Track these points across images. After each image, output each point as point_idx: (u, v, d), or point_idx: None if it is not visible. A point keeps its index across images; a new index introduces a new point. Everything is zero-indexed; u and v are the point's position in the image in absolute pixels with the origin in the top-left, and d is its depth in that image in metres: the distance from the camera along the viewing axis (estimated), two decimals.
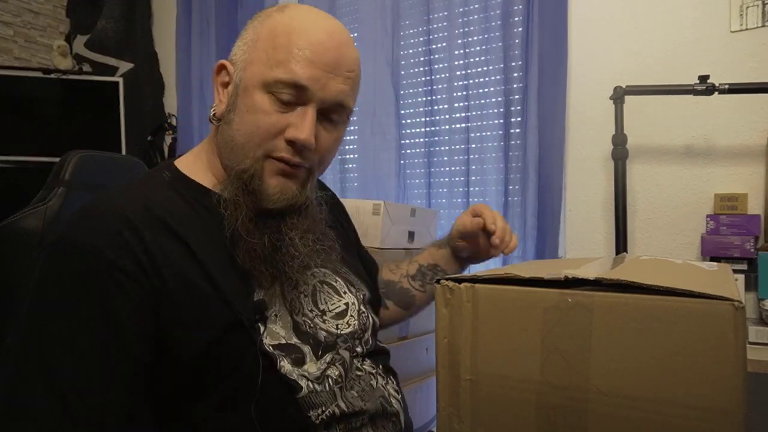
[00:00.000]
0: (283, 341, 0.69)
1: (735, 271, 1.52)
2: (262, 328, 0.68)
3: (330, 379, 0.71)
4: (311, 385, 0.69)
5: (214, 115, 0.76)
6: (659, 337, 0.47)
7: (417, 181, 2.22)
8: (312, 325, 0.74)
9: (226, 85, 0.76)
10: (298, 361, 0.69)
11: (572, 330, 0.51)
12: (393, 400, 0.80)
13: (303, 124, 0.69)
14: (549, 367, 0.52)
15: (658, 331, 0.47)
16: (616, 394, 0.49)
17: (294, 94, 0.69)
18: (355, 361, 0.77)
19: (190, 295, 0.64)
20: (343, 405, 0.71)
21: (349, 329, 0.78)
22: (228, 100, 0.74)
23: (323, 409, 0.69)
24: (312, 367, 0.70)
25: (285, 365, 0.68)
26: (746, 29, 1.64)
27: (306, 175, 0.74)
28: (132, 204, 0.67)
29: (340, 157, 2.37)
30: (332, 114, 0.73)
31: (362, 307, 0.84)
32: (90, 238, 0.62)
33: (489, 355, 0.56)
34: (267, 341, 0.68)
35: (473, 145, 2.07)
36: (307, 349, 0.71)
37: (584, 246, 1.88)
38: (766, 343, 1.33)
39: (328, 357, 0.73)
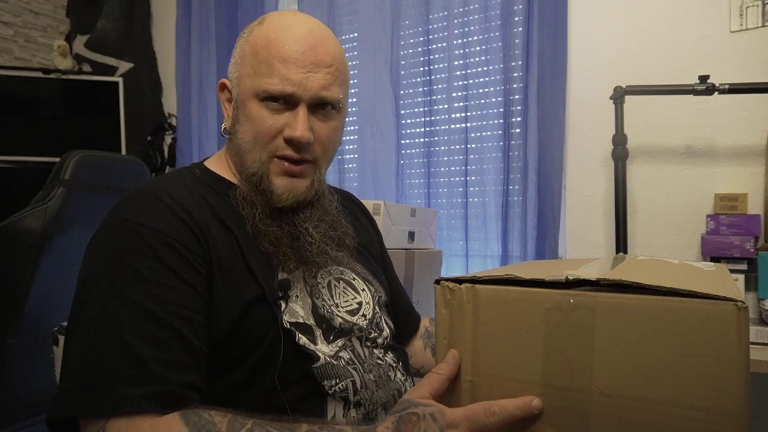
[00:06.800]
0: (301, 320, 0.74)
1: (735, 271, 1.52)
2: (283, 306, 0.74)
3: (342, 360, 0.75)
4: (327, 359, 0.74)
5: (224, 129, 0.84)
6: (662, 338, 0.47)
7: (416, 181, 2.22)
8: (330, 311, 0.78)
9: (229, 100, 0.84)
10: (310, 341, 0.74)
11: (574, 331, 0.51)
12: None
13: (296, 123, 0.76)
14: (551, 368, 0.52)
15: (661, 332, 0.47)
16: (619, 395, 0.49)
17: (283, 100, 0.76)
18: (375, 351, 0.81)
19: (228, 271, 0.72)
20: (358, 382, 0.74)
21: (364, 323, 0.82)
22: (232, 114, 0.82)
23: (337, 381, 0.73)
24: (324, 348, 0.75)
25: (302, 338, 0.73)
26: (746, 29, 1.64)
27: (312, 169, 0.81)
28: (176, 189, 0.75)
29: (339, 157, 2.37)
30: (323, 106, 0.79)
31: (377, 308, 0.85)
32: (147, 218, 0.69)
33: (490, 356, 0.56)
34: (286, 318, 0.73)
35: (472, 145, 2.07)
36: (318, 332, 0.75)
37: (584, 246, 1.88)
38: (766, 343, 1.33)
39: (339, 342, 0.77)
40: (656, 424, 0.47)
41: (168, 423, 0.58)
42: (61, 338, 1.06)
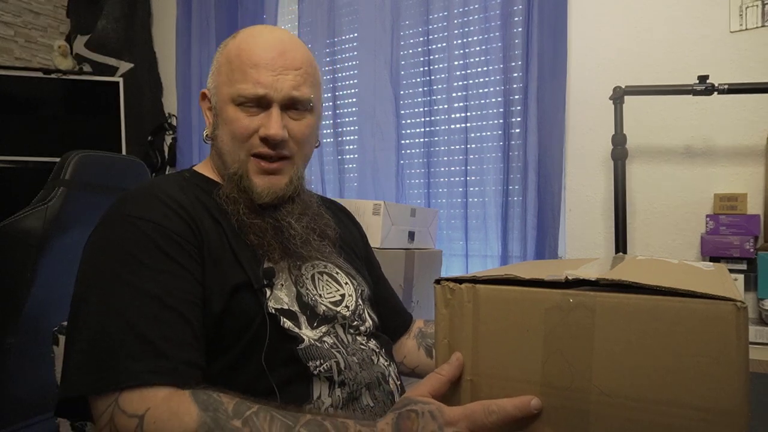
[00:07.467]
0: (286, 307, 0.78)
1: (735, 271, 1.52)
2: (268, 293, 0.77)
3: (326, 343, 0.78)
4: (312, 341, 0.77)
5: (206, 135, 0.90)
6: (661, 338, 0.47)
7: (416, 181, 2.22)
8: (313, 299, 0.81)
9: (210, 109, 0.90)
10: (295, 326, 0.78)
11: (574, 330, 0.51)
12: (390, 380, 0.83)
13: (270, 122, 0.81)
14: (551, 367, 0.52)
15: (661, 332, 0.47)
16: (618, 395, 0.49)
17: (257, 102, 0.81)
18: (358, 338, 0.83)
19: (218, 261, 0.76)
20: (342, 363, 0.76)
21: (348, 313, 0.84)
22: (212, 121, 0.88)
23: (321, 361, 0.75)
24: (308, 332, 0.78)
25: (287, 322, 0.77)
26: (746, 29, 1.64)
27: (290, 166, 0.85)
28: (171, 188, 0.80)
29: (339, 157, 2.37)
30: (295, 106, 0.84)
31: (359, 301, 0.88)
32: (145, 212, 0.73)
33: (490, 355, 0.56)
34: (271, 304, 0.76)
35: (472, 146, 2.07)
36: (302, 318, 0.78)
37: (584, 246, 1.88)
38: (766, 343, 1.33)
39: (323, 328, 0.80)
40: (656, 424, 0.47)
41: (179, 398, 0.61)
42: (62, 338, 1.06)
